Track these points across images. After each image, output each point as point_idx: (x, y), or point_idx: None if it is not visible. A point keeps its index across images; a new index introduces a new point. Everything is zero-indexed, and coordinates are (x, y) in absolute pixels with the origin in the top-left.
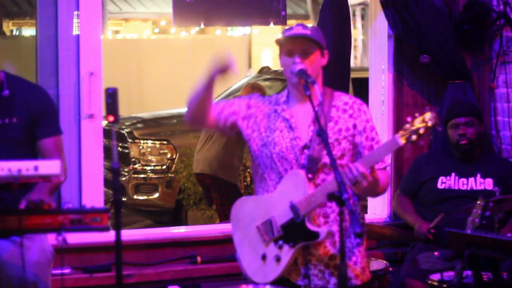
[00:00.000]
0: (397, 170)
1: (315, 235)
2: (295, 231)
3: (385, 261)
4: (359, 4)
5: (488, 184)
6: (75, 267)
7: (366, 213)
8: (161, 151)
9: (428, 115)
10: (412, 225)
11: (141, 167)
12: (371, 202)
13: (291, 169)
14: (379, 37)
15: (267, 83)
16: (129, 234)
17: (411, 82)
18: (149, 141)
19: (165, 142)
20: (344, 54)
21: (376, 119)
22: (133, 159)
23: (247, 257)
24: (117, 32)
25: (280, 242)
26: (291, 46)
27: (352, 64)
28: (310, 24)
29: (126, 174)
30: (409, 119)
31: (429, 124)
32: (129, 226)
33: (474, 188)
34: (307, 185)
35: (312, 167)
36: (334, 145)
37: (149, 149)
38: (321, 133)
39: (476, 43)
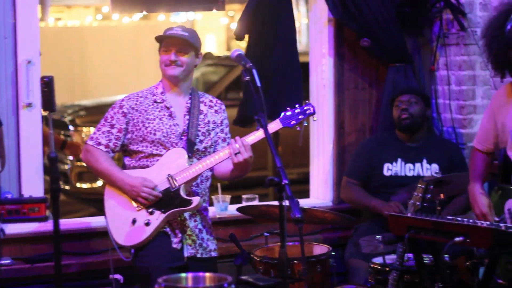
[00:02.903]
0: (338, 155)
1: (188, 201)
2: (168, 199)
3: (327, 246)
4: None
5: (434, 169)
6: (16, 258)
7: (309, 197)
8: None
9: (308, 106)
10: (372, 209)
11: None
12: (314, 187)
13: None
14: (319, 21)
15: (210, 68)
16: (69, 223)
17: (352, 65)
18: (92, 129)
19: None
20: (289, 39)
21: (318, 103)
22: None
23: (116, 221)
24: (59, 19)
25: (153, 208)
26: (170, 44)
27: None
28: None
29: (69, 162)
30: (288, 108)
31: (308, 112)
32: (72, 214)
33: (421, 174)
34: (186, 160)
35: (190, 150)
36: (205, 134)
37: None
38: (261, 118)
39: (416, 26)
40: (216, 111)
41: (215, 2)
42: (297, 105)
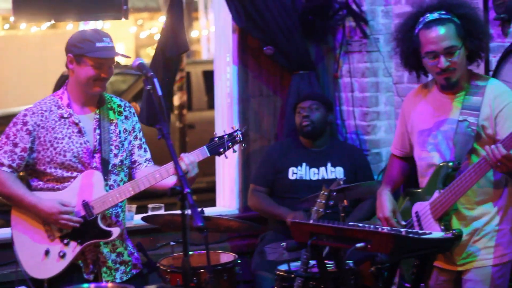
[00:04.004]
0: (244, 163)
1: (108, 233)
2: (85, 229)
3: (233, 254)
4: None
5: (339, 172)
6: None
7: (215, 205)
8: None
9: (236, 133)
10: (278, 217)
11: None
12: (220, 195)
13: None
14: (223, 29)
15: (118, 77)
16: None
17: (256, 73)
18: None
19: None
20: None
21: (222, 111)
22: None
23: (26, 252)
24: None
25: (67, 239)
26: (103, 59)
27: (206, 57)
28: (162, 16)
29: None
30: (217, 133)
31: (237, 139)
32: None
33: (326, 177)
34: (103, 186)
35: (105, 170)
36: (119, 147)
37: None
38: (162, 128)
39: (319, 34)
40: (126, 116)
41: (119, 11)
42: (225, 131)
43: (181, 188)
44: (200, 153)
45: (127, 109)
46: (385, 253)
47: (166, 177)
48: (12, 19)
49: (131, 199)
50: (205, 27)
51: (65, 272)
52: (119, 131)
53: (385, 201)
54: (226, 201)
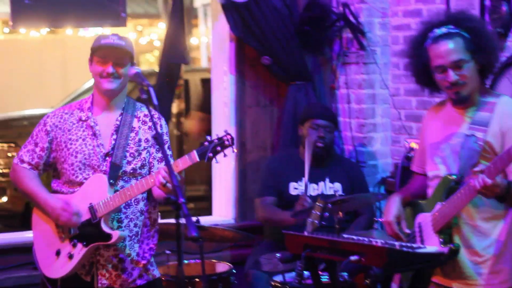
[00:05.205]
0: (240, 172)
1: (108, 236)
2: (90, 231)
3: (228, 263)
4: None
5: (337, 188)
6: None
7: (211, 215)
8: (8, 154)
9: (226, 137)
10: (288, 221)
11: None
12: (216, 204)
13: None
14: (221, 38)
15: None
16: None
17: (253, 83)
18: None
19: (13, 145)
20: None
21: (219, 120)
22: None
23: (42, 252)
24: None
25: (75, 240)
26: (106, 54)
27: (206, 65)
28: (161, 23)
29: None
30: (208, 138)
31: (226, 143)
32: None
33: (324, 193)
34: (108, 189)
35: (113, 174)
36: (134, 155)
37: None
38: (157, 137)
39: (316, 44)
40: (150, 127)
41: (117, 18)
42: (215, 136)
43: (175, 197)
44: (188, 158)
45: (153, 119)
46: (379, 266)
47: (152, 185)
48: (10, 24)
49: None
50: (204, 34)
51: (75, 273)
52: (139, 140)
53: (391, 206)
54: (222, 211)
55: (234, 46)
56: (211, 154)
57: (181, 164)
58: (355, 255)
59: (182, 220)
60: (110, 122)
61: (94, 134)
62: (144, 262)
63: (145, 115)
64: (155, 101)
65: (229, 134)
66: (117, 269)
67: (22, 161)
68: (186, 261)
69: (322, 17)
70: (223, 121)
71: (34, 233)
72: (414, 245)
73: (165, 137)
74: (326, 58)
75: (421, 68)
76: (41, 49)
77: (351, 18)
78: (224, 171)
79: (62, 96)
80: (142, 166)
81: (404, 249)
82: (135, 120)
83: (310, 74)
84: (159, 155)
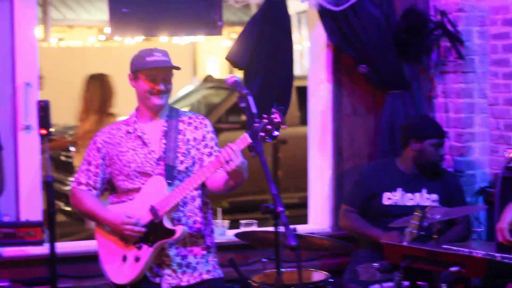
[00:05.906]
0: (337, 181)
1: (172, 232)
2: (153, 231)
3: (325, 272)
4: (305, 12)
5: (434, 199)
6: (14, 280)
7: (307, 222)
8: None
9: (274, 115)
10: (371, 238)
11: None
12: (313, 212)
13: None
14: (317, 46)
15: (211, 91)
16: (66, 247)
17: (350, 91)
18: None
19: None
20: (284, 62)
21: (315, 129)
22: (76, 168)
23: (108, 260)
24: (61, 39)
25: (140, 243)
26: (155, 72)
27: (299, 73)
28: None
29: (70, 183)
30: (257, 120)
31: (275, 121)
32: (73, 236)
33: (420, 204)
34: (166, 188)
35: (169, 175)
36: (185, 154)
37: None
38: (256, 146)
39: (414, 53)
40: (195, 127)
41: (213, 27)
42: (264, 115)
43: (273, 206)
44: (240, 141)
45: (197, 120)
46: (479, 277)
47: (212, 171)
48: (108, 29)
49: (225, 213)
50: (298, 42)
51: (144, 276)
52: (187, 140)
53: (507, 213)
54: (319, 219)
55: (331, 54)
56: (263, 134)
57: (235, 147)
58: (455, 266)
59: (281, 229)
60: (157, 129)
61: (144, 143)
62: (209, 259)
63: (189, 118)
64: (253, 109)
65: (277, 111)
66: (181, 266)
67: (79, 183)
68: (282, 270)
69: (420, 26)
70: (320, 129)
71: (98, 247)
72: None
73: (212, 135)
74: (424, 67)
75: None
76: None
77: (449, 27)
78: (320, 179)
79: None
80: (193, 164)
81: (506, 260)
82: (180, 123)
83: (408, 82)
84: (207, 150)
